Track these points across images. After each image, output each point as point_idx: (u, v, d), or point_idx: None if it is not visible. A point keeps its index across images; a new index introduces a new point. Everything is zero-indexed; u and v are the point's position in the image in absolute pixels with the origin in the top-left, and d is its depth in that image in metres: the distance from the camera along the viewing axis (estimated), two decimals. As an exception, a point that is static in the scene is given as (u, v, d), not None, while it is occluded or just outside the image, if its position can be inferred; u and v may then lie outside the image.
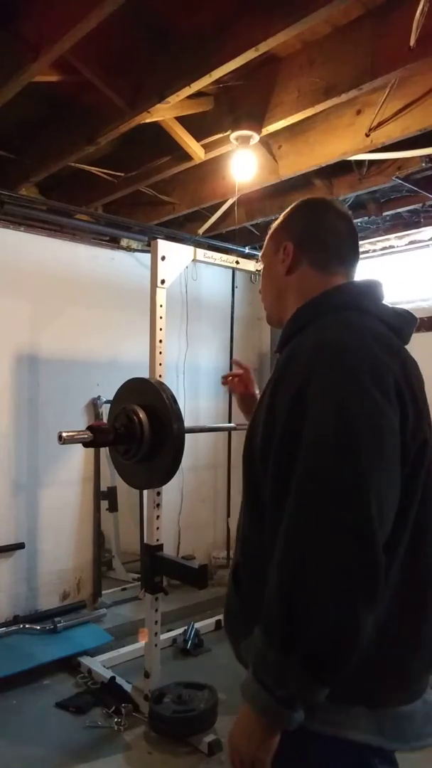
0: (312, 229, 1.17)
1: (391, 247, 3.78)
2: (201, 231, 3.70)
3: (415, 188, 3.00)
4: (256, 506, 1.05)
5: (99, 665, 2.99)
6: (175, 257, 2.67)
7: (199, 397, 4.29)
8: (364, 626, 0.86)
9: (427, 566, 1.01)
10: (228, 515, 4.42)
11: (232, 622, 1.15)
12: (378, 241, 3.78)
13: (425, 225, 3.53)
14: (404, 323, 1.09)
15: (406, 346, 1.09)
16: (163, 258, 2.60)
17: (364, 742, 0.97)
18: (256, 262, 1.20)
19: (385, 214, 3.44)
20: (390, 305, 1.10)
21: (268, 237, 1.24)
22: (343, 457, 0.88)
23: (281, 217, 1.23)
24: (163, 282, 2.61)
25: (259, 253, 1.19)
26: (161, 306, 2.62)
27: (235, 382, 1.67)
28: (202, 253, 2.82)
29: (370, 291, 1.10)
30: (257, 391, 1.63)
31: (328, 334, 0.99)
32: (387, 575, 0.90)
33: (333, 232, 1.16)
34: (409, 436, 0.95)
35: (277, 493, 0.95)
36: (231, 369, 1.73)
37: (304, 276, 1.15)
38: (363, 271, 1.18)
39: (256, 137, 2.43)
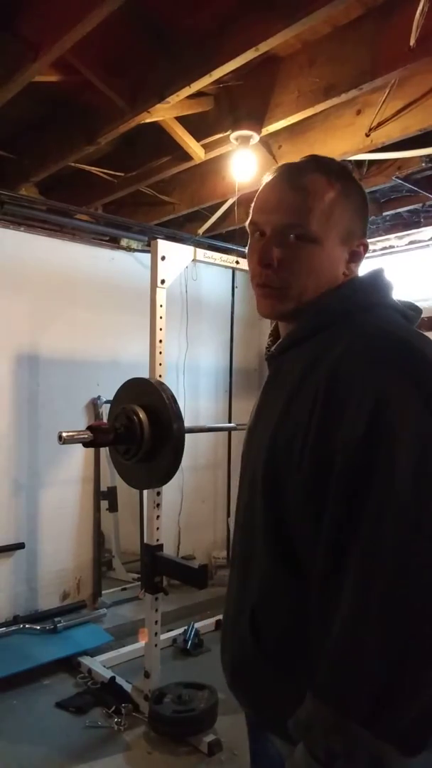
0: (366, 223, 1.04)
1: (391, 247, 3.78)
2: (201, 231, 3.70)
3: (415, 188, 3.01)
4: (280, 542, 0.93)
5: (99, 665, 2.98)
6: (175, 257, 2.67)
7: (199, 397, 4.29)
8: None
9: None
10: (228, 515, 4.41)
11: (250, 672, 0.99)
12: (378, 241, 3.77)
13: (425, 225, 3.53)
14: (415, 319, 1.02)
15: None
16: (163, 258, 2.60)
17: None
18: (291, 235, 0.95)
19: (385, 214, 3.44)
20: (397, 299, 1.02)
21: (329, 210, 0.96)
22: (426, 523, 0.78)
23: (351, 193, 1.00)
24: (163, 282, 2.61)
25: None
26: (161, 306, 2.62)
27: None
28: (202, 253, 2.82)
29: (389, 283, 1.01)
30: None
31: (384, 352, 0.86)
32: None
33: None
34: None
35: (338, 540, 0.82)
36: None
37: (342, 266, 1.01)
38: (363, 270, 1.14)
39: (256, 137, 2.43)
